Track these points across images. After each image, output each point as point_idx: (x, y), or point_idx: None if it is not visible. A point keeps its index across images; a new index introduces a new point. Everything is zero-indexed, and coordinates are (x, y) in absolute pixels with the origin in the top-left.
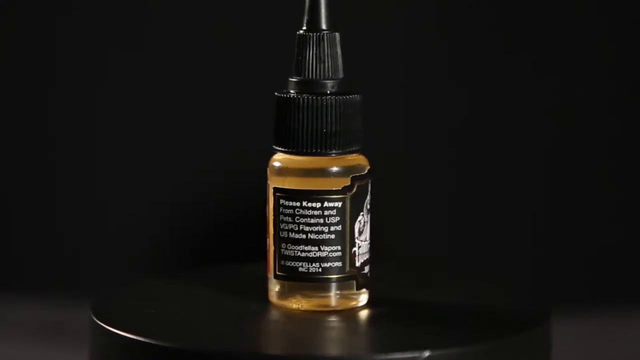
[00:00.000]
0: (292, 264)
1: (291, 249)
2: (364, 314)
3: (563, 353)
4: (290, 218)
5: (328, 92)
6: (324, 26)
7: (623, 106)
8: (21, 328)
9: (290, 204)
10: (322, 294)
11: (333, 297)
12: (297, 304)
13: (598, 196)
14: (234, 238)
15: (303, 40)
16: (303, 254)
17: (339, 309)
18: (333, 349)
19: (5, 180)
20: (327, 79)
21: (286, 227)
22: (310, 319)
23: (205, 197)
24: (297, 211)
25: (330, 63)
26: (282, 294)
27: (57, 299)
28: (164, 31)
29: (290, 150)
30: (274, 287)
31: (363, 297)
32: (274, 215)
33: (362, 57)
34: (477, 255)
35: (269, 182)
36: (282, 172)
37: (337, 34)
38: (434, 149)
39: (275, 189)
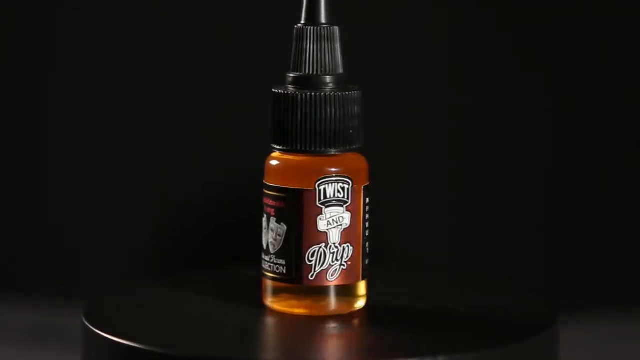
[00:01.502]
0: (368, 260)
1: (368, 247)
2: (364, 317)
3: (565, 355)
4: (369, 215)
5: (327, 88)
6: (323, 20)
7: (624, 106)
8: (19, 329)
9: (369, 200)
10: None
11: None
12: (314, 309)
13: (600, 196)
14: (233, 238)
15: (301, 34)
16: (368, 249)
17: (340, 312)
18: (334, 355)
19: (3, 180)
20: (327, 75)
21: (368, 226)
22: (309, 323)
23: (205, 197)
24: (372, 206)
25: (330, 58)
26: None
27: (56, 300)
28: (163, 31)
29: (289, 148)
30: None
31: (362, 301)
32: (364, 217)
33: (362, 57)
34: (478, 256)
35: (355, 185)
36: (360, 173)
37: (337, 28)
38: (434, 149)
39: (367, 189)
